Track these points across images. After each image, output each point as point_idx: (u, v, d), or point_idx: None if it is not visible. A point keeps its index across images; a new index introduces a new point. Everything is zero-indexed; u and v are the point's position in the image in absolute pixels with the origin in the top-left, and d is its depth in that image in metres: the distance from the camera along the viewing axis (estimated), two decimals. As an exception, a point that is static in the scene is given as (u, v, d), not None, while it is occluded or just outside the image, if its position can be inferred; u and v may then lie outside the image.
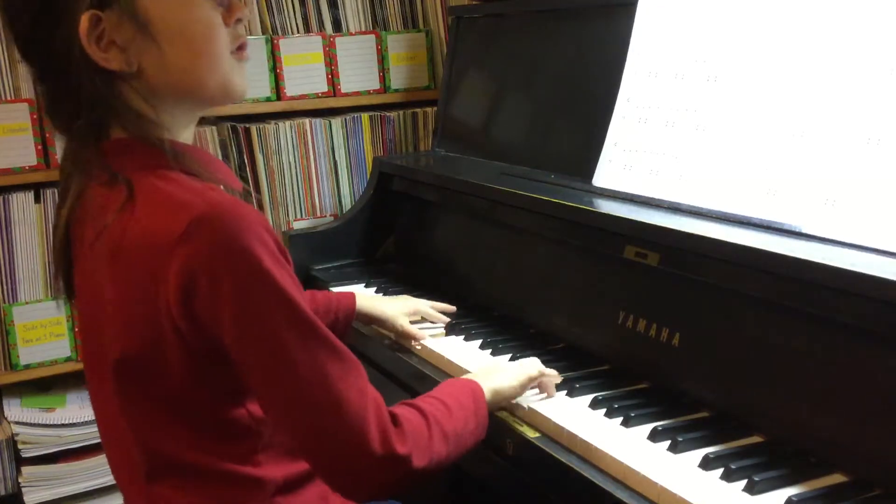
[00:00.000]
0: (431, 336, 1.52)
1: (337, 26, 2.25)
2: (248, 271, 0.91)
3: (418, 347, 1.50)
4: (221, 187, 0.99)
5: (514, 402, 1.25)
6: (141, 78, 0.97)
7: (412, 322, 1.55)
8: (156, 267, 0.92)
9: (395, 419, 0.99)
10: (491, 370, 1.25)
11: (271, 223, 2.13)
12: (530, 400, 1.24)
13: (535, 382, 1.25)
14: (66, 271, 1.07)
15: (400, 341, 1.54)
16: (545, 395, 1.26)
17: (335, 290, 1.81)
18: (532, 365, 1.25)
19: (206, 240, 0.90)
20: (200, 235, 0.90)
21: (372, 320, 1.55)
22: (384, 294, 1.75)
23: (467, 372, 1.35)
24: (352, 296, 1.53)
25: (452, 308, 1.61)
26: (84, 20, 0.92)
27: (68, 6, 0.93)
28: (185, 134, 1.04)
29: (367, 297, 1.56)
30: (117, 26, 0.94)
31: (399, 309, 1.55)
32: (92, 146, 0.98)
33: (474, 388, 1.15)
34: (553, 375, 1.27)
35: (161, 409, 0.99)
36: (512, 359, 1.38)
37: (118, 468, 1.07)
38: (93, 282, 1.01)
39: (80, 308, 1.07)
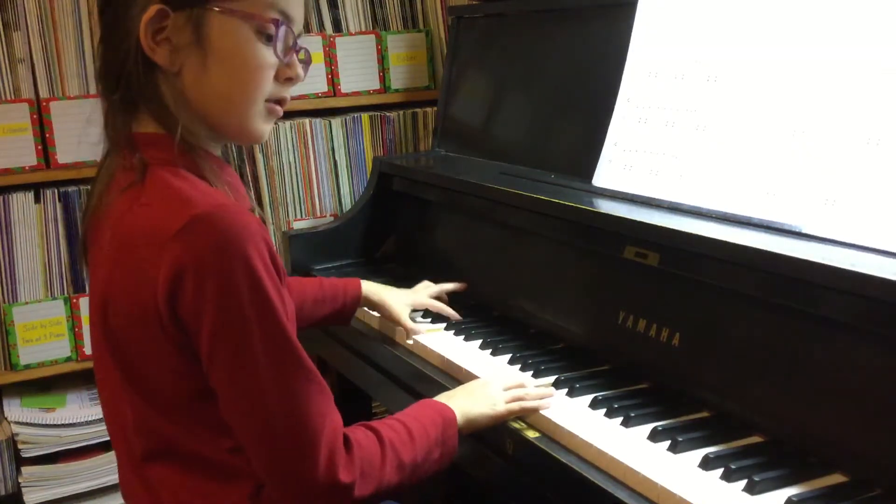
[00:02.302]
0: (428, 331, 1.52)
1: (337, 26, 2.25)
2: (239, 276, 0.92)
3: (409, 343, 1.50)
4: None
5: None
6: (176, 80, 0.99)
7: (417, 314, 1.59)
8: (151, 257, 0.93)
9: (348, 445, 1.00)
10: (472, 392, 1.23)
11: (271, 223, 2.14)
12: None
13: (514, 415, 1.21)
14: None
15: (397, 329, 1.55)
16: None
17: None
18: (515, 404, 1.21)
19: (202, 238, 0.92)
20: (197, 233, 0.92)
21: (375, 307, 1.58)
22: (384, 294, 1.76)
23: (469, 372, 1.35)
24: (358, 282, 1.56)
25: (461, 286, 1.66)
26: (152, 10, 0.95)
27: None
28: (211, 145, 1.06)
29: (373, 284, 1.59)
30: (179, 29, 0.97)
31: (403, 300, 1.57)
32: (122, 119, 1.01)
33: (447, 418, 1.14)
34: (538, 406, 1.21)
35: (154, 395, 1.00)
36: (512, 359, 1.39)
37: (117, 446, 1.09)
38: (100, 264, 1.03)
39: (91, 288, 1.08)
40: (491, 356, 1.42)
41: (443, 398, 1.20)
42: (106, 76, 1.02)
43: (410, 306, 1.57)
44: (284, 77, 1.04)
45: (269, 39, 1.00)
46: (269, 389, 0.95)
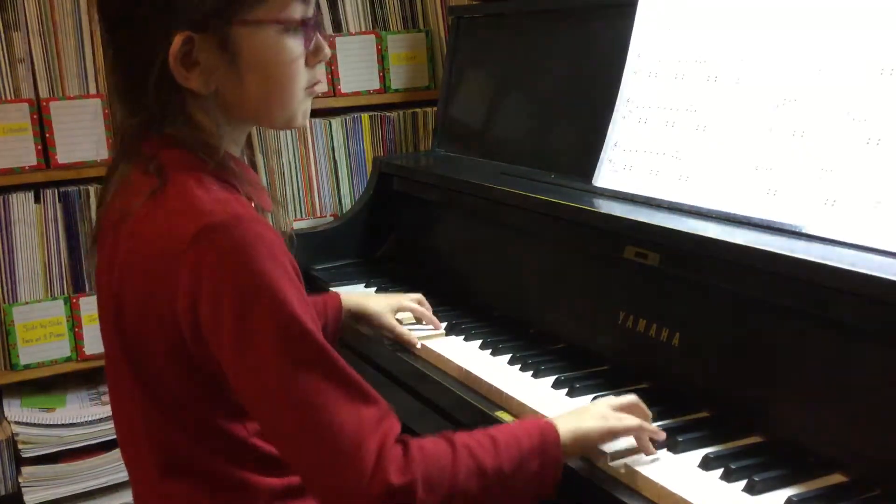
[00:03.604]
0: (422, 338, 1.50)
1: (337, 26, 2.26)
2: (254, 287, 0.90)
3: (418, 347, 1.49)
4: (252, 204, 1.00)
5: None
6: (213, 99, 0.98)
7: (407, 324, 1.54)
8: (169, 268, 0.92)
9: (406, 448, 0.93)
10: (577, 411, 1.10)
11: (271, 223, 2.14)
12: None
13: (630, 434, 1.08)
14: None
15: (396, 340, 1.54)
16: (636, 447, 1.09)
17: (335, 290, 1.81)
18: (630, 419, 1.08)
19: (215, 248, 0.90)
20: (210, 242, 0.90)
21: (358, 318, 1.53)
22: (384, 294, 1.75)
23: (469, 372, 1.35)
24: (337, 297, 1.51)
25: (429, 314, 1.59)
26: (178, 41, 0.93)
27: (165, 23, 0.93)
28: (234, 147, 1.06)
29: (352, 296, 1.54)
30: (206, 50, 0.95)
31: (385, 305, 1.53)
32: (140, 138, 0.99)
33: (545, 428, 1.03)
34: (654, 432, 1.09)
35: (170, 407, 0.99)
36: (512, 359, 1.38)
37: (132, 461, 1.07)
38: (113, 267, 1.00)
39: (100, 294, 1.06)
40: (491, 356, 1.42)
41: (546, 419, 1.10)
42: (128, 101, 0.99)
43: (394, 310, 1.53)
44: (314, 60, 1.03)
45: (295, 29, 0.99)
46: (298, 401, 0.90)
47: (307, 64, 1.02)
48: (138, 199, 0.97)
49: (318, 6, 1.03)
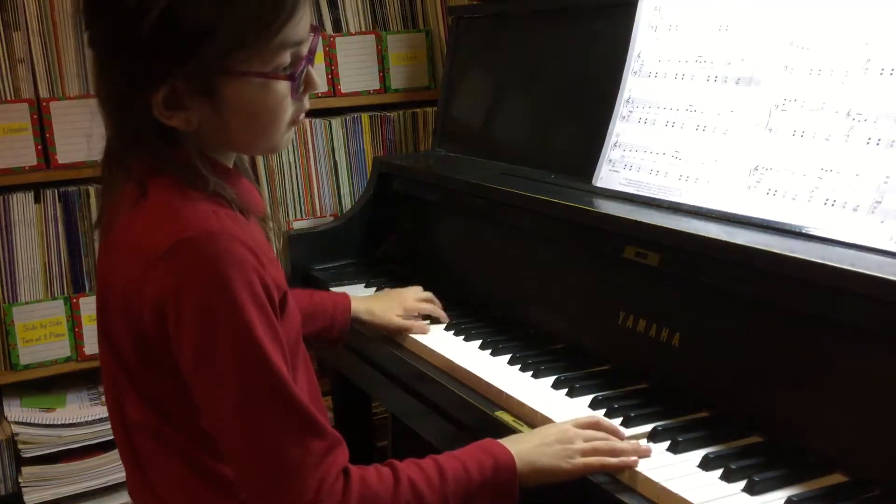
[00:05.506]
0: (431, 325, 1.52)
1: (337, 26, 2.25)
2: (218, 305, 0.90)
3: (417, 341, 1.49)
4: (241, 212, 0.99)
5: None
6: (196, 132, 0.97)
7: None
8: (138, 277, 0.93)
9: (347, 483, 0.94)
10: (542, 440, 1.09)
11: (271, 224, 2.14)
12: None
13: (593, 471, 1.06)
14: None
15: (397, 338, 1.54)
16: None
17: (335, 290, 1.81)
18: (592, 460, 1.06)
19: (185, 262, 0.90)
20: (180, 257, 0.90)
21: (365, 324, 1.53)
22: (384, 294, 1.76)
23: (470, 372, 1.35)
24: (347, 301, 1.50)
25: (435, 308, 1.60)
26: (162, 89, 0.92)
27: (151, 69, 0.91)
28: (226, 157, 1.05)
29: (360, 301, 1.53)
30: (189, 93, 0.93)
31: (391, 309, 1.53)
32: (127, 155, 0.99)
33: (501, 461, 1.03)
34: (631, 452, 1.06)
35: (157, 401, 1.00)
36: (512, 359, 1.38)
37: (125, 454, 1.08)
38: (100, 269, 1.03)
39: (97, 293, 1.08)
40: (491, 356, 1.42)
41: (507, 440, 1.09)
42: (112, 119, 0.98)
43: (398, 313, 1.53)
44: (303, 94, 1.01)
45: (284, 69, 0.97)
46: (247, 424, 0.92)
47: (293, 96, 0.99)
48: (124, 207, 0.98)
49: (314, 28, 0.99)
